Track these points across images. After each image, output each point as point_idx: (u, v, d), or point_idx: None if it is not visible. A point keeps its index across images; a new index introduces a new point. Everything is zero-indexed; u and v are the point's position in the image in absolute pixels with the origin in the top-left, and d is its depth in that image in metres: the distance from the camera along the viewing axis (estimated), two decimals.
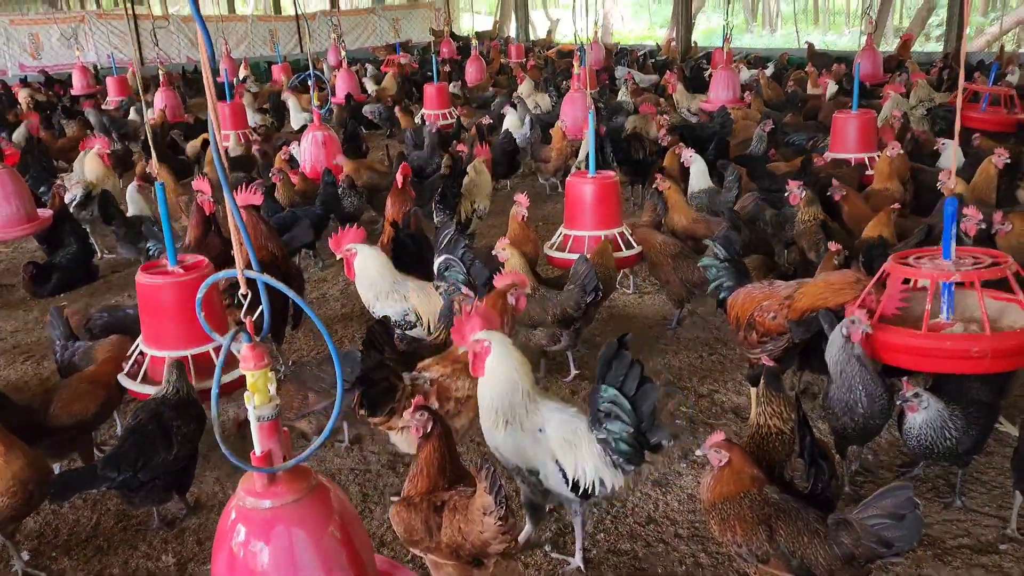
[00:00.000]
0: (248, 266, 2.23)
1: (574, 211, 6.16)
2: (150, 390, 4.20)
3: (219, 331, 2.13)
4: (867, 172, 7.27)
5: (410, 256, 5.93)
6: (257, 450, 2.32)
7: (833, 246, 4.98)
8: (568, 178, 6.27)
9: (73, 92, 17.06)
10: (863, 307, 3.80)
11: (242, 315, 2.21)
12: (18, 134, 11.34)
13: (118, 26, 20.50)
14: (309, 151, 8.43)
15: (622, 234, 6.11)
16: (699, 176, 7.25)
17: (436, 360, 4.08)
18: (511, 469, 3.50)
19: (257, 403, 2.27)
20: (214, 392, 2.22)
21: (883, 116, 8.88)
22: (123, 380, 4.46)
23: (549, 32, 26.76)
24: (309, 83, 9.05)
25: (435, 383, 3.93)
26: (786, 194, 5.93)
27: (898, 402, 3.66)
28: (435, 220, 7.11)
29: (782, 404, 3.49)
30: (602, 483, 3.34)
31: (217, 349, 4.50)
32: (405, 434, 3.80)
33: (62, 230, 7.41)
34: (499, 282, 4.41)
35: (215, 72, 17.14)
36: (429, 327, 5.07)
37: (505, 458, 3.47)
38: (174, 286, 4.40)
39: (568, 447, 3.34)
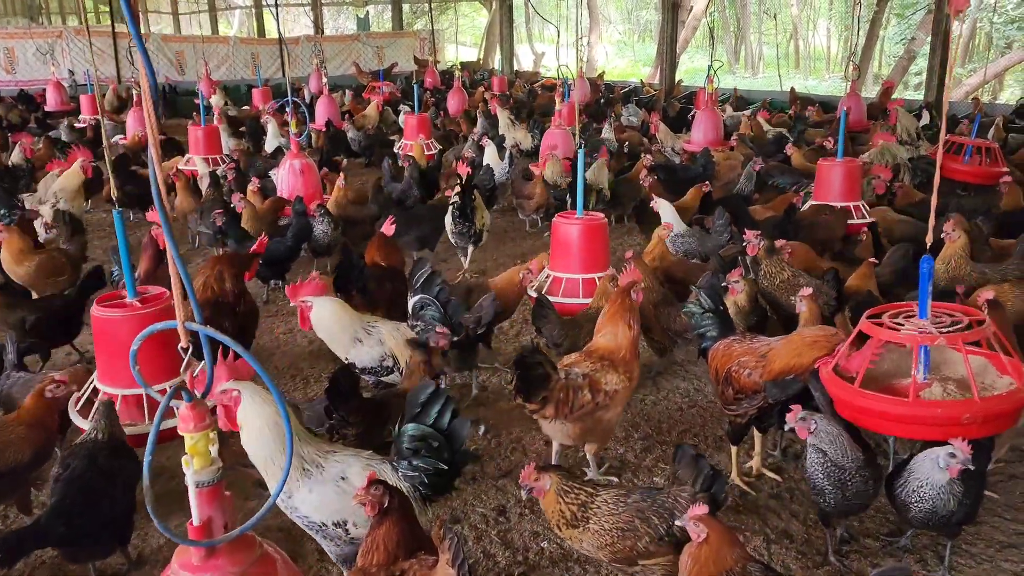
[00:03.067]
0: (190, 317, 2.03)
1: (560, 252, 5.99)
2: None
3: (165, 377, 1.92)
4: (851, 220, 7.17)
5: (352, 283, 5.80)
6: (195, 519, 2.10)
7: (805, 291, 4.75)
8: (555, 218, 6.10)
9: (46, 108, 16.78)
10: (837, 365, 3.67)
11: (182, 370, 2.00)
12: None
13: (95, 43, 20.23)
14: (287, 180, 8.21)
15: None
16: (672, 219, 7.03)
17: (581, 356, 4.23)
18: (310, 529, 3.24)
19: (197, 467, 2.06)
20: (147, 457, 2.00)
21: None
22: (75, 418, 4.20)
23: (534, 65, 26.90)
24: (287, 109, 8.82)
25: (587, 377, 4.04)
26: (744, 243, 5.77)
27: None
28: (452, 233, 7.57)
29: None
30: None
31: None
32: (557, 423, 4.05)
33: None
34: (623, 279, 4.43)
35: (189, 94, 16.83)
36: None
37: (305, 517, 3.18)
38: (130, 320, 4.16)
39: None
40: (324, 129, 13.51)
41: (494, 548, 3.95)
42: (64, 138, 13.07)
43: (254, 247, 6.15)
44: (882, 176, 7.74)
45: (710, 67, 11.68)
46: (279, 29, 10.61)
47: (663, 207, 7.15)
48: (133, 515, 3.72)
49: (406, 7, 29.12)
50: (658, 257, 6.28)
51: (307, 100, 18.56)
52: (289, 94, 8.53)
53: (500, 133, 12.66)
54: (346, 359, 4.84)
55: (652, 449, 4.85)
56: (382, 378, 4.89)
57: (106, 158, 5.25)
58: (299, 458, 3.14)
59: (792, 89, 16.06)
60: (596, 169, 9.15)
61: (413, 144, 11.12)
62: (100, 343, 4.28)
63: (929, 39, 15.22)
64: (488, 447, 4.87)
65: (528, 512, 4.22)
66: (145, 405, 4.15)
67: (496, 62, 26.59)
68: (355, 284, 5.78)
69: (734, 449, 4.46)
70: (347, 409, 3.87)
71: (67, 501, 3.43)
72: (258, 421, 3.06)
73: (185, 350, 1.98)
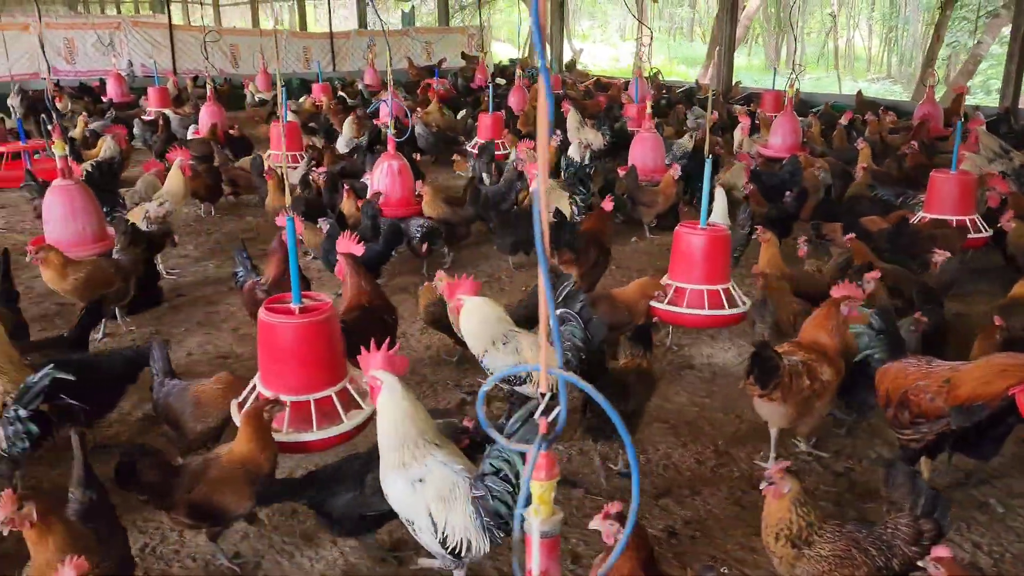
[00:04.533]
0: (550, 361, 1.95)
1: (682, 262, 5.90)
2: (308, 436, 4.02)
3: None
4: (969, 235, 7.03)
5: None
6: (535, 571, 2.04)
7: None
8: (677, 228, 6.01)
9: (107, 100, 16.82)
10: None
11: (537, 415, 1.95)
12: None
13: (153, 35, 20.32)
14: (383, 181, 8.13)
15: (727, 290, 5.86)
16: (719, 214, 7.37)
17: (793, 346, 4.56)
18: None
19: (544, 516, 2.00)
20: (517, 511, 1.93)
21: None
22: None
23: (572, 62, 26.55)
24: (383, 110, 8.76)
25: (805, 364, 4.38)
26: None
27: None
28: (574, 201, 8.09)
29: None
30: (469, 547, 3.28)
31: (340, 393, 4.23)
32: (776, 406, 4.41)
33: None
34: (835, 292, 4.59)
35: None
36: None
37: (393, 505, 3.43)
38: (296, 328, 4.12)
39: (442, 503, 3.28)
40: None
41: (675, 572, 3.88)
42: (136, 131, 13.11)
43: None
44: (997, 188, 7.57)
45: (792, 70, 11.49)
46: (330, 20, 10.44)
47: (719, 197, 7.46)
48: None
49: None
50: (774, 266, 6.20)
51: (364, 95, 18.58)
52: (390, 92, 8.41)
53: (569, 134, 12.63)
54: (482, 362, 4.85)
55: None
56: (515, 387, 4.87)
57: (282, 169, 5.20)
58: (408, 452, 3.32)
59: (859, 92, 15.82)
60: (736, 172, 9.36)
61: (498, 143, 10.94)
62: (265, 348, 4.22)
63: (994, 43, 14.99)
64: (640, 466, 4.80)
65: (699, 535, 4.15)
66: (313, 413, 4.12)
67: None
68: (565, 240, 6.71)
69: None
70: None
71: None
72: (390, 412, 3.35)
73: (544, 395, 1.91)
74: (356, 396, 4.30)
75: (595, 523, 2.88)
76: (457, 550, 3.28)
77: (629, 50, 47.87)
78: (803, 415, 4.50)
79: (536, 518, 2.00)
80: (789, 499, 3.23)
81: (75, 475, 3.44)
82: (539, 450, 1.96)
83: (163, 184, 8.43)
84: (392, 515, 3.51)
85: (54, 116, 7.23)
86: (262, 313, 4.17)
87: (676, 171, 8.71)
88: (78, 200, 6.79)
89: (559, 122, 13.29)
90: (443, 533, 3.26)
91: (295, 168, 10.09)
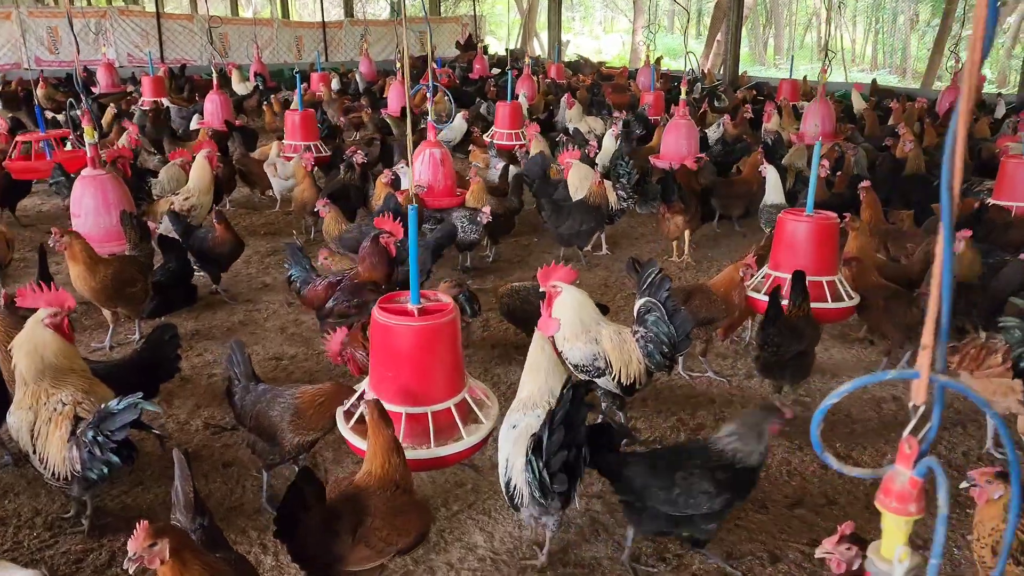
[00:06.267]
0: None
1: (785, 252, 5.52)
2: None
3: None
4: None
5: None
6: None
7: None
8: (781, 215, 5.64)
9: (99, 90, 16.14)
10: None
11: (906, 432, 1.58)
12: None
13: (140, 23, 19.60)
14: (427, 172, 7.66)
15: (831, 283, 5.47)
16: (773, 190, 7.57)
17: None
18: (577, 369, 4.50)
19: (910, 562, 1.62)
20: None
21: None
22: (347, 435, 3.74)
23: (581, 59, 26.12)
24: (428, 94, 8.28)
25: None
26: None
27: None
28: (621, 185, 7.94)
29: None
30: (637, 382, 4.48)
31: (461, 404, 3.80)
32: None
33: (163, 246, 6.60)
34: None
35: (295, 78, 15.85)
36: (620, 377, 4.47)
37: (572, 360, 4.49)
38: (415, 330, 3.66)
39: (615, 350, 4.45)
40: (399, 116, 13.01)
41: None
42: (136, 121, 12.50)
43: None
44: None
45: (825, 56, 11.19)
46: (323, 10, 9.95)
47: (770, 173, 7.66)
48: None
49: None
50: (865, 255, 5.88)
51: (361, 86, 18.05)
52: (431, 78, 7.94)
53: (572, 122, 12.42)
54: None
55: None
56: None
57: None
58: (587, 326, 4.47)
59: (874, 81, 15.62)
60: (795, 153, 9.63)
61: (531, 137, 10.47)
62: (378, 351, 3.78)
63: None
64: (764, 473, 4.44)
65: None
66: (431, 428, 3.67)
67: (538, 49, 26.01)
68: (674, 195, 7.62)
69: None
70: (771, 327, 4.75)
71: None
72: (570, 304, 4.39)
73: (916, 408, 1.52)
74: (475, 408, 3.87)
75: (822, 551, 2.50)
76: (631, 383, 4.44)
77: (611, 41, 47.68)
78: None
79: (903, 563, 1.61)
80: (1001, 505, 2.88)
81: (181, 500, 3.00)
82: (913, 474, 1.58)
83: (187, 177, 7.91)
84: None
85: (84, 101, 6.66)
86: (377, 314, 3.73)
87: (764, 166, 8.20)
88: (111, 192, 6.25)
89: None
90: (618, 371, 4.40)
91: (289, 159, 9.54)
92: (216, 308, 6.76)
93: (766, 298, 5.44)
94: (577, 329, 4.55)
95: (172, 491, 3.03)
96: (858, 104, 14.15)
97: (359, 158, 8.34)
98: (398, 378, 3.66)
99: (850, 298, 5.38)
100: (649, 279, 4.70)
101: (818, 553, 2.51)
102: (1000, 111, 13.28)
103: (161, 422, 4.83)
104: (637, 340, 4.57)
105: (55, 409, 3.61)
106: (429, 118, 7.83)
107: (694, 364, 5.70)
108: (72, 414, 3.59)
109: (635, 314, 4.78)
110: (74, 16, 18.94)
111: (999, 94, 14.02)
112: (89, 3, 24.68)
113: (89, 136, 6.28)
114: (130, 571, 2.50)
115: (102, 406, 3.50)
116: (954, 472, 4.46)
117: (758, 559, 3.74)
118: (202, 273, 7.14)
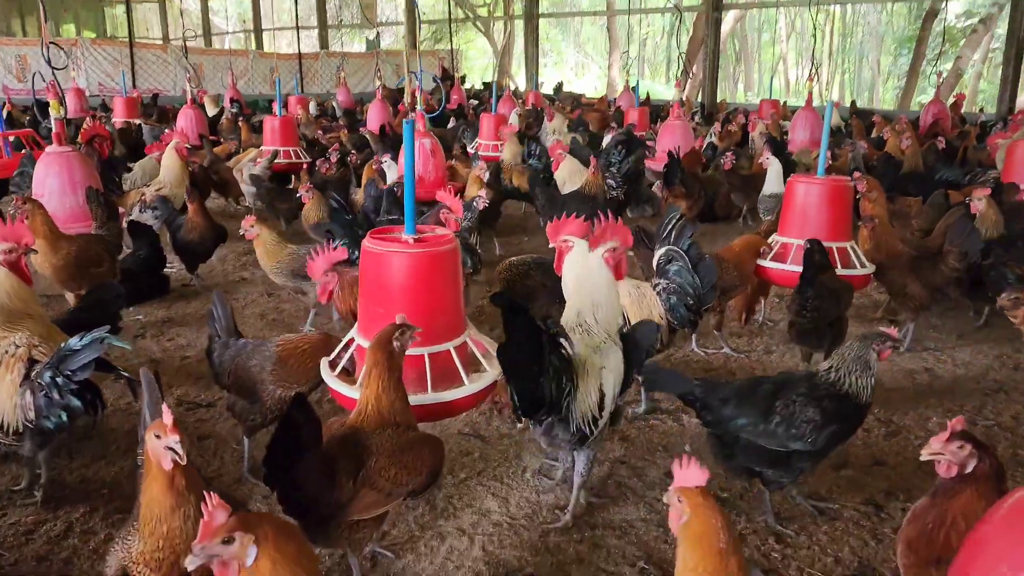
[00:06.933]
0: None
1: (795, 216, 5.18)
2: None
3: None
4: None
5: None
6: None
7: None
8: (791, 178, 5.33)
9: (67, 116, 15.70)
10: None
11: None
12: None
13: (112, 52, 19.26)
14: (418, 163, 7.29)
15: (843, 250, 5.12)
16: (774, 180, 7.42)
17: None
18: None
19: None
20: None
21: None
22: (334, 383, 3.28)
23: (559, 86, 26.07)
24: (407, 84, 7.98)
25: None
26: None
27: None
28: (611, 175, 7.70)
29: None
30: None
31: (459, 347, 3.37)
32: None
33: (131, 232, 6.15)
34: None
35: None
36: None
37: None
38: (411, 257, 3.23)
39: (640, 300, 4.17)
40: (379, 134, 12.70)
41: None
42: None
43: None
44: None
45: (811, 67, 11.16)
46: (298, 43, 9.71)
47: (773, 164, 7.50)
48: None
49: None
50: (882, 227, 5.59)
51: (338, 113, 17.77)
52: (419, 68, 7.64)
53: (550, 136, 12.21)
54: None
55: None
56: None
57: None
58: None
59: (853, 102, 15.69)
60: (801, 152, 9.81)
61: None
62: (368, 286, 3.34)
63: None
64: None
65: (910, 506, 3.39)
66: (428, 375, 3.22)
67: (518, 82, 26.05)
68: (677, 179, 7.73)
69: None
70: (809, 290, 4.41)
71: None
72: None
73: None
74: (477, 355, 3.44)
75: (930, 450, 2.10)
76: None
77: (584, 84, 48.22)
78: None
79: None
80: None
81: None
82: None
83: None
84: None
85: (52, 72, 6.27)
86: (367, 243, 3.31)
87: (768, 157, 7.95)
88: (77, 170, 5.80)
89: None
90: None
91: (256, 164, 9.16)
92: (190, 298, 6.29)
93: (778, 265, 5.11)
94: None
95: (139, 422, 2.56)
96: (835, 120, 14.12)
97: (334, 157, 8.01)
98: (390, 315, 3.17)
99: (863, 266, 5.02)
100: (671, 226, 4.33)
101: (924, 455, 2.11)
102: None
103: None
104: (658, 293, 4.19)
105: (7, 351, 3.14)
106: (419, 107, 7.51)
107: (708, 340, 5.32)
108: (27, 356, 3.11)
109: (654, 266, 4.39)
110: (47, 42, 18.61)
111: (981, 109, 14.05)
112: (59, 34, 24.33)
113: (55, 110, 5.85)
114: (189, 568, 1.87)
115: (63, 344, 3.03)
116: (1007, 434, 4.11)
117: (811, 518, 3.32)
118: (174, 266, 6.69)
